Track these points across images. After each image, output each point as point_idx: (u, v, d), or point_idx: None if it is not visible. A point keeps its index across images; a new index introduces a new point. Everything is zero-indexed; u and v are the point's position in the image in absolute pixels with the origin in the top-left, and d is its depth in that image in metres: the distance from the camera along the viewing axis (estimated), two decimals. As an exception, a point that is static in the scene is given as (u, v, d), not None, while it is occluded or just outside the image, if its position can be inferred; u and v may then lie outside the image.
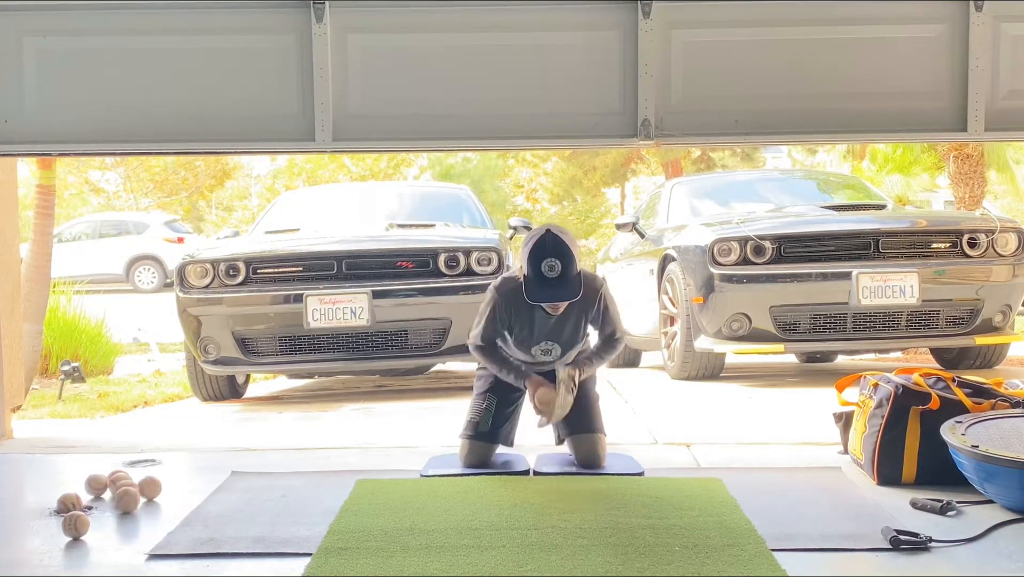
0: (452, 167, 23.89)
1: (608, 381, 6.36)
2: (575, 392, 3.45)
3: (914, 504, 2.95)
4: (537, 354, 3.54)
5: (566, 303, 3.40)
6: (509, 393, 3.59)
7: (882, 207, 6.78)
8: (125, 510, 3.07)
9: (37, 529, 2.89)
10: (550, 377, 3.49)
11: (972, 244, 5.73)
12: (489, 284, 3.60)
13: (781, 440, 4.08)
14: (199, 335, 5.58)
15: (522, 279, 3.38)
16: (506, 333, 3.53)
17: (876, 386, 3.37)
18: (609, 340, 3.57)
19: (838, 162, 15.10)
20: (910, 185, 12.48)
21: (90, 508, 3.06)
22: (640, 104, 4.05)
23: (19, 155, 4.68)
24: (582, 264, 3.43)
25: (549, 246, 3.32)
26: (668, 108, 4.08)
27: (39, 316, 6.83)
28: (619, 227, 7.54)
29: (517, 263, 3.48)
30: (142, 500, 3.16)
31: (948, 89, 4.11)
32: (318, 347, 5.60)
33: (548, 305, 3.40)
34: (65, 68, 4.10)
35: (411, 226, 6.42)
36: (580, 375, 3.48)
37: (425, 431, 4.47)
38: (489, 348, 3.55)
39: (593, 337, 3.68)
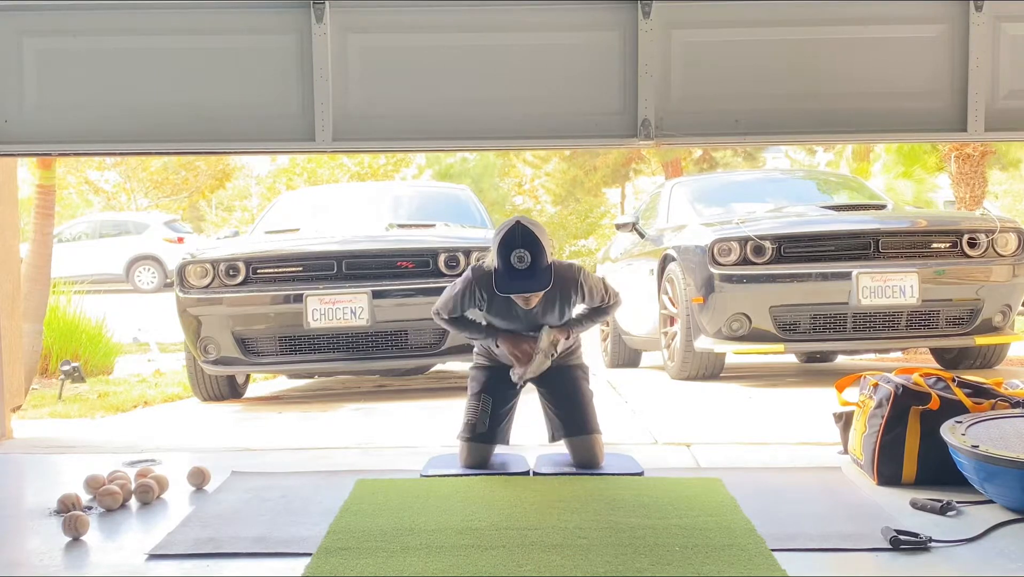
0: (451, 166, 23.88)
1: (608, 381, 6.36)
2: (554, 357, 3.48)
3: (914, 504, 2.95)
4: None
5: (538, 296, 3.39)
6: (504, 392, 3.59)
7: (882, 207, 6.78)
8: (144, 501, 3.18)
9: (37, 529, 2.89)
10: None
11: (972, 244, 5.74)
12: None
13: (781, 440, 4.08)
14: (199, 335, 5.59)
15: (493, 272, 3.37)
16: (483, 320, 3.54)
17: (876, 386, 3.37)
18: (601, 306, 3.59)
19: (843, 165, 15.03)
20: (919, 187, 12.47)
21: (90, 508, 3.07)
22: (640, 104, 4.05)
23: (19, 155, 4.68)
24: (554, 254, 3.42)
25: (519, 237, 3.29)
26: (668, 108, 4.08)
27: (39, 316, 6.82)
28: (619, 227, 7.54)
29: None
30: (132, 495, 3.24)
31: (948, 89, 4.11)
32: (318, 347, 5.60)
33: (519, 298, 3.38)
34: (65, 68, 4.09)
35: (411, 226, 6.42)
36: (565, 340, 3.50)
37: (425, 431, 4.47)
38: (452, 319, 3.55)
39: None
